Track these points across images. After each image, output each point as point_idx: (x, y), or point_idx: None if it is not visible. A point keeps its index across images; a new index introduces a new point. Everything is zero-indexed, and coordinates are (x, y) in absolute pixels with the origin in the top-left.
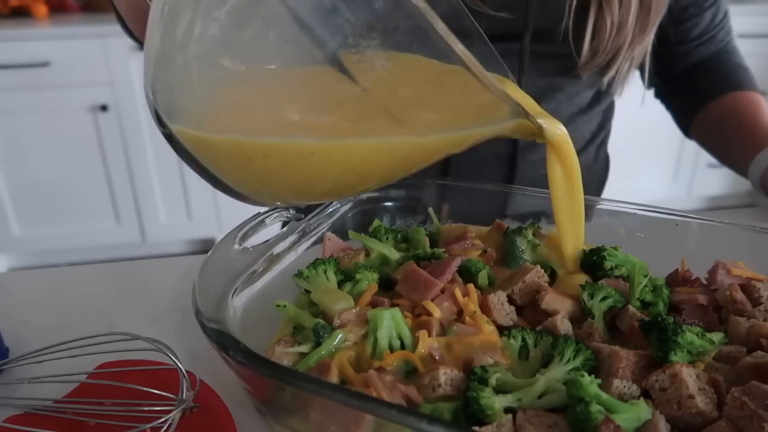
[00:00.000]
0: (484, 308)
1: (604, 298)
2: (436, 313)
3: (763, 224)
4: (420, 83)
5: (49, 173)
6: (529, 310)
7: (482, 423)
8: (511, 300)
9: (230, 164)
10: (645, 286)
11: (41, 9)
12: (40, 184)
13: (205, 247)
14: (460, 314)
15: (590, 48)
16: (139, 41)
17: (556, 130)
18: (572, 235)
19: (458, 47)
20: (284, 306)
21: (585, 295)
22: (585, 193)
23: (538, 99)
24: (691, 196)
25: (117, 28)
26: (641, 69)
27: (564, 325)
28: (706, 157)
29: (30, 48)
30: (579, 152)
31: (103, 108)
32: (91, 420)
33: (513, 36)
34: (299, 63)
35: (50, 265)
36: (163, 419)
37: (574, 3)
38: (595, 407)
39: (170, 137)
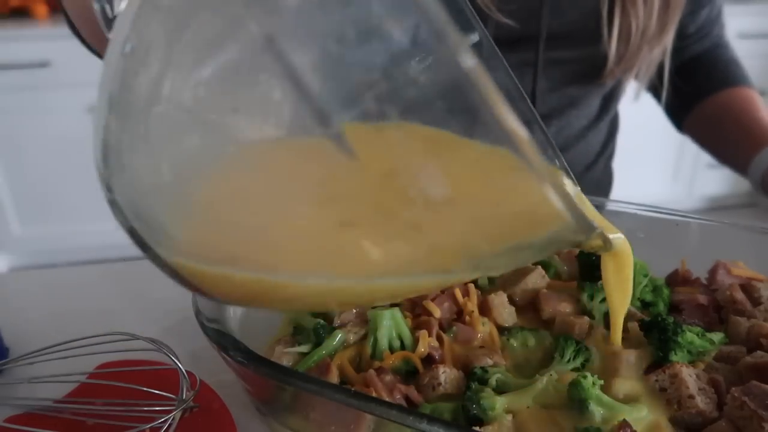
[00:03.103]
0: (485, 308)
1: (604, 299)
2: (436, 313)
3: (763, 224)
4: (456, 176)
5: (49, 173)
6: (529, 310)
7: (482, 423)
8: (511, 300)
9: (220, 290)
10: (645, 286)
11: (41, 9)
12: (40, 184)
13: None
14: (460, 314)
15: (616, 53)
16: (91, 48)
17: (621, 241)
18: (620, 324)
19: (520, 134)
20: None
21: (585, 297)
22: None
23: (550, 116)
24: (691, 196)
25: None
26: (660, 71)
27: (581, 331)
28: (706, 157)
29: (30, 48)
30: (589, 167)
31: None
32: (90, 420)
33: (527, 40)
34: (290, 138)
35: (50, 265)
36: (163, 419)
37: (605, 6)
38: (595, 408)
39: (146, 248)
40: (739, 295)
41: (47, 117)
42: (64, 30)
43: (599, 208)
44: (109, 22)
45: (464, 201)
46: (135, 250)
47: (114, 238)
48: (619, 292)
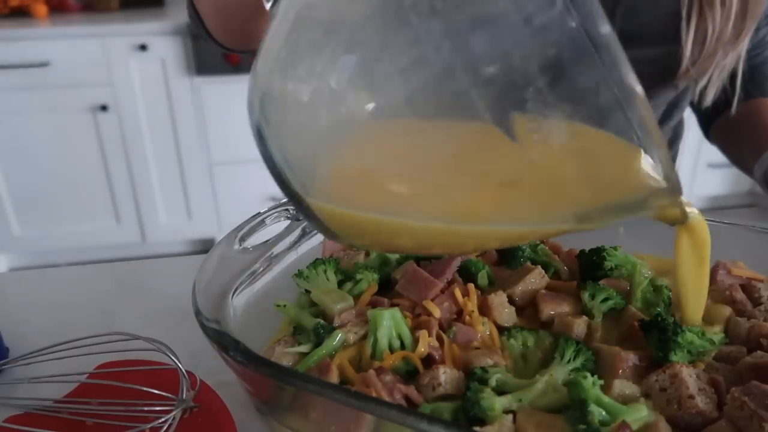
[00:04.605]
0: (485, 308)
1: (605, 300)
2: (436, 313)
3: (763, 224)
4: (587, 161)
5: (49, 173)
6: (530, 310)
7: (482, 423)
8: (511, 300)
9: (355, 232)
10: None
11: (41, 9)
12: (40, 184)
13: (205, 247)
14: (460, 314)
15: (691, 56)
16: (218, 42)
17: (697, 215)
18: (696, 308)
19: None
20: (284, 306)
21: (586, 296)
22: None
23: None
24: (691, 196)
25: (117, 28)
26: (733, 78)
27: (579, 330)
28: (706, 157)
29: (30, 48)
30: None
31: (103, 108)
32: (90, 420)
33: None
34: (452, 116)
35: (50, 265)
36: (163, 419)
37: (685, 8)
38: (594, 409)
39: (299, 200)
40: (739, 295)
41: (47, 117)
42: (64, 30)
43: None
44: None
45: (584, 170)
46: (135, 251)
47: (114, 238)
48: (695, 276)
